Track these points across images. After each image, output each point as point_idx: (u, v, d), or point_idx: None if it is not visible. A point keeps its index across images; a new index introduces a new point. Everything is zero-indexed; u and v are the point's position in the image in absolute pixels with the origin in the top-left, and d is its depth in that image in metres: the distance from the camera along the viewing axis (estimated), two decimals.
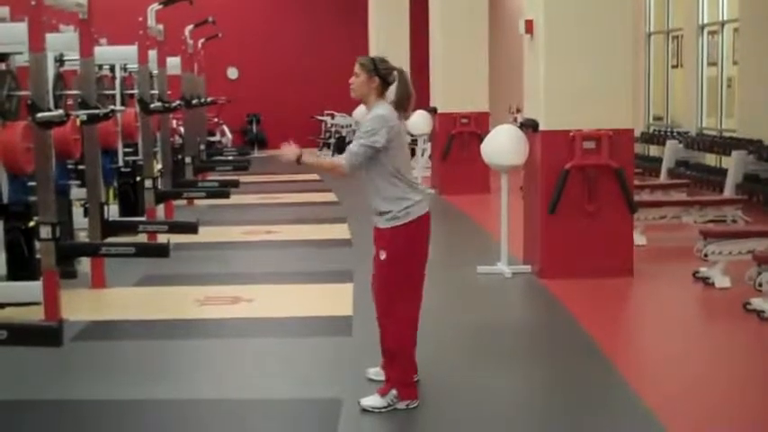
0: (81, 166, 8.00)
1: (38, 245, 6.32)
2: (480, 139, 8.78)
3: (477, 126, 12.84)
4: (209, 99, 14.81)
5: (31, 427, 4.73)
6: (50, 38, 6.51)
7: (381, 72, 4.83)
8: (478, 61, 13.14)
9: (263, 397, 5.11)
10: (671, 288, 7.54)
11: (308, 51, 21.28)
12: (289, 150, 4.85)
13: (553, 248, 7.71)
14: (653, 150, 15.07)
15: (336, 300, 7.14)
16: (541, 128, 7.72)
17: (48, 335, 5.25)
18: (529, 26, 7.91)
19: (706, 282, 7.36)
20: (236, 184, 11.44)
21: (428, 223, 4.89)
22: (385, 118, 4.74)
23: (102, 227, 7.52)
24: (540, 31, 7.74)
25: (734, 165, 11.17)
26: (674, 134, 14.32)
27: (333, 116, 20.10)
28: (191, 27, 13.10)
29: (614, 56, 7.69)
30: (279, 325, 6.65)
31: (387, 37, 18.04)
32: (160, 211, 10.20)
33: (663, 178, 13.01)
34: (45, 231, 6.14)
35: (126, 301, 7.42)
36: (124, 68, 10.64)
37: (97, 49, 7.86)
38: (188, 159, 12.12)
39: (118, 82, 10.55)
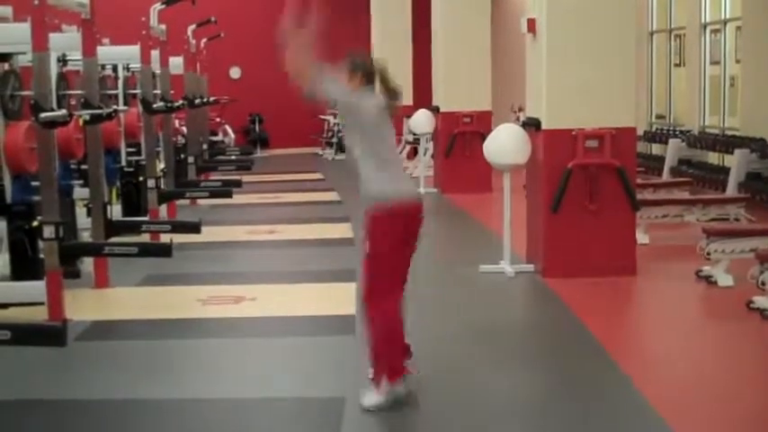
0: (84, 166, 8.01)
1: (41, 245, 6.33)
2: (483, 138, 8.78)
3: (480, 125, 12.84)
4: (211, 99, 14.82)
5: (35, 427, 4.73)
6: (53, 38, 6.51)
7: (358, 63, 4.96)
8: (481, 60, 13.14)
9: (266, 396, 5.12)
10: (674, 287, 7.54)
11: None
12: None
13: (556, 247, 7.71)
14: (655, 149, 15.06)
15: (339, 299, 7.15)
16: (544, 127, 7.72)
17: (51, 335, 5.27)
18: (531, 25, 7.91)
19: (709, 280, 7.36)
20: (238, 183, 11.45)
21: (412, 215, 4.88)
22: (353, 92, 4.87)
23: (105, 227, 7.53)
24: (543, 30, 7.74)
25: (736, 163, 11.16)
26: (677, 133, 14.30)
27: (335, 115, 20.08)
28: (193, 27, 13.12)
29: (616, 54, 7.69)
30: (281, 324, 6.65)
31: (389, 36, 18.05)
32: (163, 210, 10.22)
33: (665, 177, 13.00)
34: (48, 231, 6.15)
35: (129, 300, 7.43)
36: (127, 68, 10.65)
37: (100, 49, 7.87)
38: (191, 159, 12.14)
39: (121, 82, 10.57)
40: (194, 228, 8.31)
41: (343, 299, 7.10)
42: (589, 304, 6.96)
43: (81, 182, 8.27)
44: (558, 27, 7.67)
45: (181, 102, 11.26)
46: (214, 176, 13.25)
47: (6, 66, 6.92)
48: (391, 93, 4.99)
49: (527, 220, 8.22)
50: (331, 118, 20.13)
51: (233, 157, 15.84)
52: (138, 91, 10.00)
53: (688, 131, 14.17)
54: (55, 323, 5.64)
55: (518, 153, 7.83)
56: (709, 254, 7.32)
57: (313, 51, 4.93)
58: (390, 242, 4.80)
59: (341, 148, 19.45)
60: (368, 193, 4.82)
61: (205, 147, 14.04)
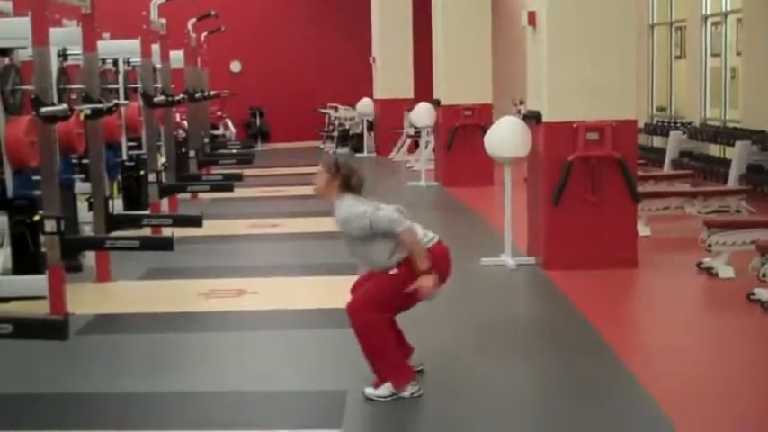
0: (85, 161, 8.02)
1: (43, 239, 6.34)
2: (483, 131, 8.78)
3: (481, 118, 12.84)
4: (212, 93, 14.82)
5: (37, 421, 4.74)
6: (54, 32, 6.51)
7: (343, 173, 4.97)
8: (481, 53, 13.14)
9: (268, 389, 5.13)
10: (675, 279, 7.54)
11: (310, 44, 21.27)
12: (425, 282, 4.81)
13: (557, 240, 7.71)
14: (656, 141, 15.06)
15: (340, 292, 7.10)
16: (544, 119, 7.72)
17: (53, 328, 5.28)
18: (531, 18, 7.90)
19: (710, 272, 7.37)
20: (239, 177, 11.46)
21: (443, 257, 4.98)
22: (355, 204, 4.91)
23: (106, 221, 7.54)
24: (543, 23, 7.73)
25: (737, 155, 11.17)
26: (678, 125, 14.30)
27: (336, 109, 20.10)
28: (193, 21, 13.11)
29: (617, 47, 7.68)
30: (283, 317, 6.67)
31: (389, 29, 18.06)
32: (164, 204, 10.22)
33: (666, 169, 13.00)
34: (50, 225, 6.15)
35: (131, 294, 7.44)
36: (127, 62, 10.65)
37: (100, 44, 7.87)
38: (192, 153, 12.16)
39: (121, 76, 10.57)
40: (196, 221, 8.32)
41: (344, 292, 7.06)
42: (590, 296, 6.97)
43: (82, 176, 8.28)
44: (558, 20, 7.67)
45: (181, 96, 11.26)
46: (215, 170, 13.25)
47: (7, 60, 6.92)
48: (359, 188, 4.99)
49: (528, 213, 8.23)
50: (332, 112, 20.14)
51: (234, 151, 15.84)
52: (138, 85, 10.00)
53: (689, 124, 14.17)
54: (57, 317, 5.65)
55: (519, 146, 7.83)
56: (710, 246, 7.33)
57: None
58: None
59: (342, 141, 19.47)
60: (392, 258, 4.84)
61: (206, 141, 14.05)
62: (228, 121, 19.93)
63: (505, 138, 7.88)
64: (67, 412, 4.85)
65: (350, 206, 4.91)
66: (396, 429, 4.69)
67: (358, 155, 18.48)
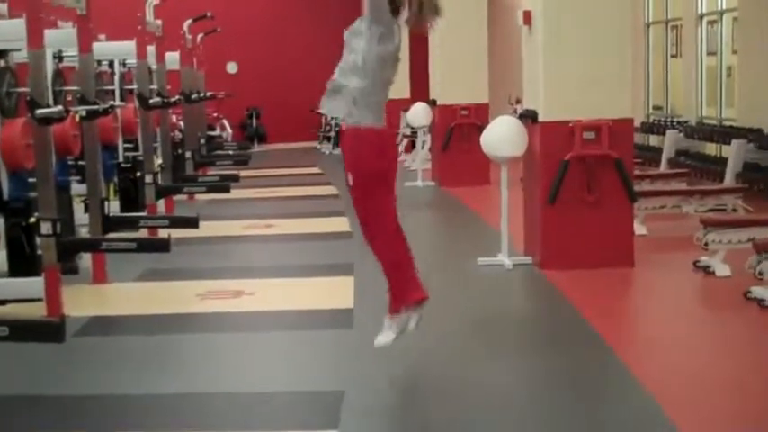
0: (81, 163, 8.00)
1: (39, 241, 6.33)
2: (480, 130, 8.77)
3: (477, 117, 12.84)
4: (208, 94, 14.82)
5: (33, 423, 4.74)
6: (49, 34, 6.49)
7: None
8: (478, 53, 13.13)
9: (265, 390, 5.12)
10: (671, 277, 7.55)
11: (307, 45, 21.25)
12: None
13: (553, 239, 7.71)
14: (653, 140, 15.07)
15: (337, 293, 7.15)
16: (541, 119, 7.72)
17: (50, 331, 5.27)
18: (527, 17, 7.90)
19: (706, 271, 7.37)
20: (236, 178, 11.46)
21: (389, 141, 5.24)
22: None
23: (102, 222, 7.52)
24: (539, 22, 7.73)
25: (734, 154, 11.17)
26: (674, 124, 14.31)
27: None
28: (189, 22, 13.10)
29: (613, 46, 7.68)
30: (280, 318, 6.66)
31: None
32: (161, 206, 10.21)
33: (663, 168, 13.00)
34: (46, 227, 6.14)
35: (127, 296, 7.43)
36: (123, 64, 10.64)
37: (96, 45, 7.84)
38: (188, 154, 12.13)
39: (117, 78, 10.56)
40: (192, 223, 8.31)
41: (341, 293, 7.11)
42: (587, 295, 6.97)
43: (78, 178, 8.27)
44: (554, 19, 7.67)
45: (177, 97, 11.25)
46: (212, 171, 13.25)
47: (2, 62, 6.91)
48: (433, 7, 5.06)
49: (524, 213, 8.22)
50: None
51: (230, 152, 15.84)
52: (134, 87, 9.99)
53: (685, 122, 14.18)
54: (53, 319, 5.64)
55: (515, 145, 7.83)
56: (706, 244, 7.33)
57: None
58: (375, 162, 5.03)
59: (338, 142, 19.45)
60: (353, 112, 5.05)
61: (202, 142, 14.03)
62: (225, 123, 19.92)
63: (502, 137, 7.87)
64: (64, 414, 4.84)
65: None
66: (393, 429, 4.68)
67: None
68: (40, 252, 6.29)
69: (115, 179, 9.65)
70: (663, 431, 4.40)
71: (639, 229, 8.74)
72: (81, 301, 6.81)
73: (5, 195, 6.60)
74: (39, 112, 6.00)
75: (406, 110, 14.57)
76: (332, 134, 19.71)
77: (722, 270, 7.24)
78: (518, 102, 15.04)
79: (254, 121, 21.57)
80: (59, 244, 6.18)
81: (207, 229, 9.02)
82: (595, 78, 7.63)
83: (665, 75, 15.92)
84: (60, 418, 4.79)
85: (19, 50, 6.76)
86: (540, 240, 7.76)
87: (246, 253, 9.21)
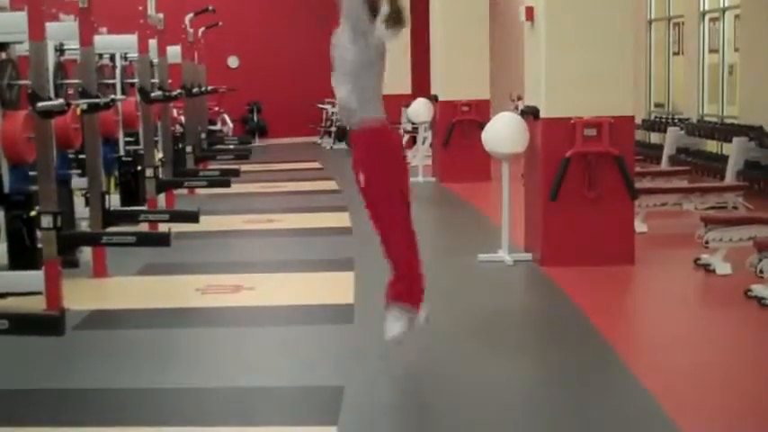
0: (82, 156, 8.00)
1: (39, 234, 6.32)
2: (481, 126, 8.76)
3: (478, 114, 12.82)
4: (209, 88, 14.80)
5: (33, 416, 4.73)
6: (50, 27, 6.49)
7: None
8: (479, 49, 13.11)
9: (265, 385, 5.13)
10: (672, 275, 7.54)
11: (308, 39, 21.22)
12: None
13: (554, 236, 7.71)
14: (654, 137, 15.06)
15: (337, 288, 7.15)
16: (542, 115, 7.71)
17: (50, 324, 5.26)
18: (529, 13, 7.89)
19: (707, 269, 7.36)
20: (236, 173, 11.44)
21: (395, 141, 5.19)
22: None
23: (103, 216, 7.52)
24: (541, 18, 7.72)
25: (735, 151, 11.16)
26: (675, 121, 14.30)
27: (334, 104, 20.05)
28: (191, 16, 13.09)
29: (615, 43, 7.68)
30: (280, 313, 6.66)
31: None
32: (161, 200, 10.21)
33: (664, 165, 13.00)
34: (46, 221, 6.14)
35: (127, 290, 7.43)
36: (124, 57, 10.62)
37: (97, 38, 7.84)
38: (189, 148, 12.12)
39: (118, 71, 10.54)
40: (193, 217, 8.30)
41: (341, 288, 7.10)
42: (587, 293, 6.96)
43: (79, 171, 8.26)
44: (556, 15, 7.66)
45: (179, 91, 11.23)
46: (212, 166, 13.23)
47: (3, 55, 6.91)
48: (396, 18, 5.04)
49: (525, 209, 8.22)
50: (329, 107, 20.12)
51: (231, 147, 15.83)
52: (135, 80, 9.97)
53: (686, 120, 14.17)
54: (53, 312, 5.63)
55: (516, 142, 7.82)
56: (707, 242, 7.32)
57: None
58: (385, 162, 5.00)
59: (339, 137, 19.45)
60: (353, 115, 5.04)
61: (203, 136, 14.02)
62: (226, 117, 19.92)
63: (503, 134, 7.87)
64: (64, 408, 4.84)
65: None
66: (393, 425, 4.68)
67: None
68: (40, 245, 6.29)
69: (116, 173, 9.64)
70: (662, 429, 4.40)
71: (640, 226, 8.73)
72: (81, 295, 6.81)
73: (6, 188, 6.59)
74: (40, 104, 6.00)
75: (407, 105, 14.55)
76: (333, 129, 19.71)
77: (723, 268, 7.24)
78: (519, 98, 15.05)
79: (254, 115, 21.55)
80: (60, 237, 6.18)
81: (207, 223, 9.01)
82: (597, 75, 7.62)
83: (666, 72, 15.90)
84: (60, 411, 4.79)
85: (20, 43, 6.75)
86: (541, 237, 7.76)
87: (247, 248, 9.21)
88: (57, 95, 7.25)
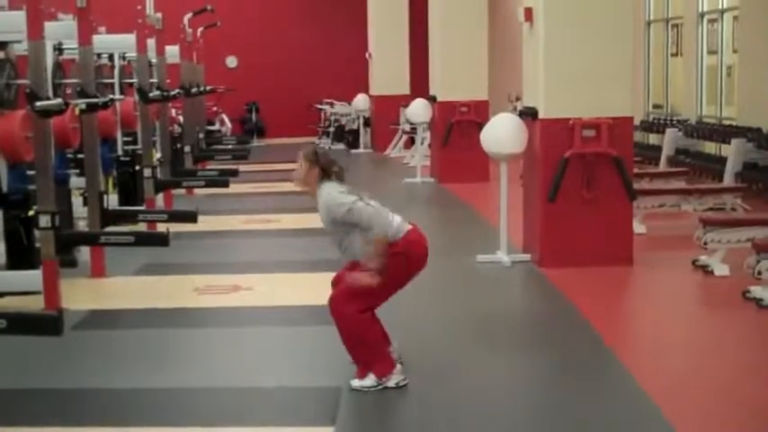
0: (80, 156, 7.99)
1: (37, 234, 6.32)
2: (480, 127, 8.76)
3: (477, 114, 12.82)
4: (208, 88, 14.80)
5: (32, 416, 4.73)
6: (49, 26, 6.49)
7: (322, 163, 4.98)
8: (478, 49, 13.12)
9: (262, 385, 5.12)
10: (670, 276, 7.54)
11: (307, 40, 21.24)
12: (364, 278, 4.84)
13: (552, 237, 7.71)
14: (652, 138, 15.06)
15: None
16: (541, 116, 7.71)
17: (47, 324, 5.26)
18: (528, 14, 7.89)
19: (705, 270, 7.37)
20: (235, 173, 11.43)
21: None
22: (337, 191, 4.93)
23: (101, 216, 7.52)
24: (540, 19, 7.72)
25: (733, 153, 11.16)
26: (674, 122, 14.30)
27: (332, 105, 20.07)
28: (189, 15, 13.08)
29: (613, 44, 7.68)
30: (278, 313, 6.65)
31: (386, 25, 18.04)
32: (159, 200, 10.20)
33: (662, 166, 13.00)
34: (44, 220, 6.14)
35: (126, 289, 7.42)
36: (123, 57, 10.61)
37: (96, 38, 7.83)
38: (187, 148, 12.12)
39: (117, 71, 10.53)
40: (191, 217, 8.30)
41: None
42: (585, 294, 6.96)
43: (77, 171, 8.25)
44: (555, 16, 7.66)
45: (177, 91, 11.23)
46: (210, 166, 13.23)
47: (2, 54, 6.90)
48: (340, 176, 5.01)
49: (524, 210, 8.22)
50: (327, 107, 20.12)
51: (229, 147, 15.82)
52: (134, 80, 9.97)
53: (685, 121, 14.17)
54: (51, 312, 5.63)
55: (515, 142, 7.82)
56: (705, 243, 7.33)
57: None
58: (406, 272, 4.89)
59: (337, 137, 19.45)
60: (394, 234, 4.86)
61: (201, 136, 14.02)
62: (224, 117, 19.91)
63: (502, 134, 7.87)
64: (62, 408, 4.83)
65: (331, 192, 4.94)
66: (389, 426, 4.68)
67: (354, 151, 18.46)
68: (38, 245, 6.29)
69: (114, 173, 9.64)
70: (660, 430, 4.40)
71: (638, 227, 8.73)
72: (79, 295, 6.81)
73: (4, 188, 6.59)
74: (38, 104, 5.99)
75: (406, 106, 14.55)
76: (331, 129, 19.70)
77: (721, 269, 7.24)
78: (518, 99, 15.05)
79: (253, 115, 21.55)
80: (58, 237, 6.18)
81: (205, 223, 9.01)
82: (595, 76, 7.62)
83: (665, 73, 15.91)
84: (57, 411, 4.78)
85: (19, 42, 6.75)
86: (540, 238, 7.76)
87: (245, 248, 9.21)
88: (55, 95, 7.24)
